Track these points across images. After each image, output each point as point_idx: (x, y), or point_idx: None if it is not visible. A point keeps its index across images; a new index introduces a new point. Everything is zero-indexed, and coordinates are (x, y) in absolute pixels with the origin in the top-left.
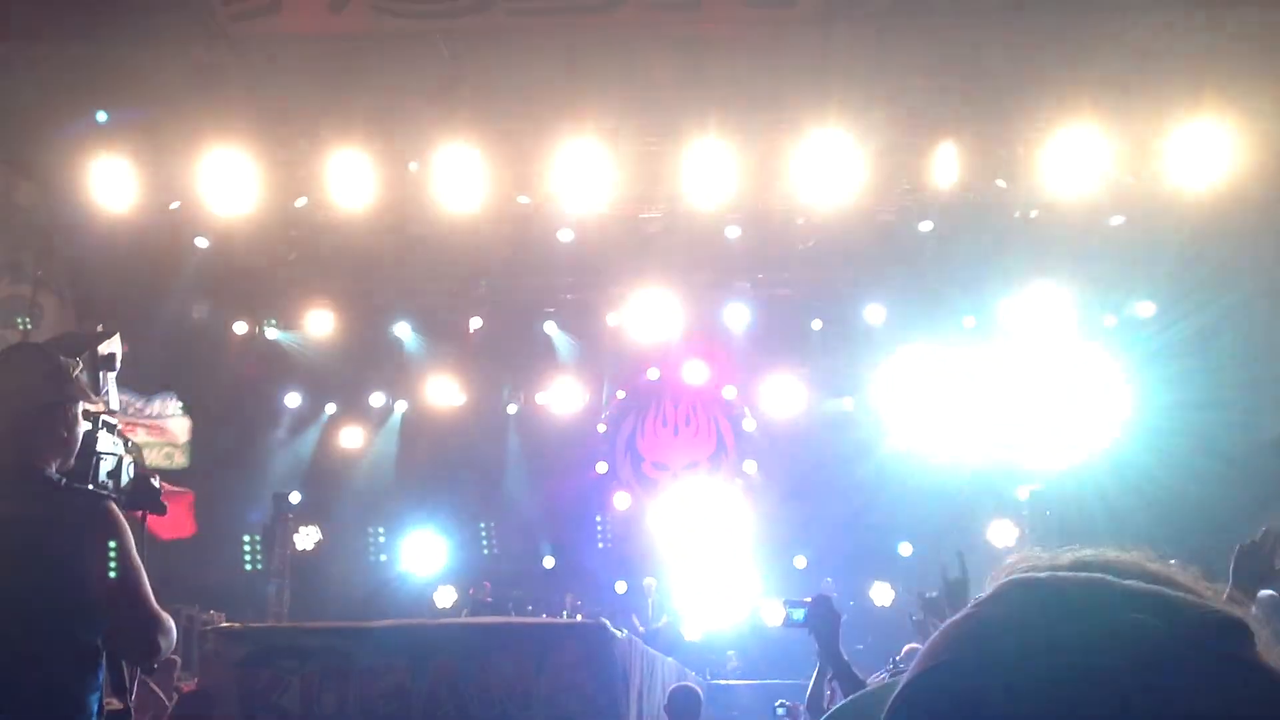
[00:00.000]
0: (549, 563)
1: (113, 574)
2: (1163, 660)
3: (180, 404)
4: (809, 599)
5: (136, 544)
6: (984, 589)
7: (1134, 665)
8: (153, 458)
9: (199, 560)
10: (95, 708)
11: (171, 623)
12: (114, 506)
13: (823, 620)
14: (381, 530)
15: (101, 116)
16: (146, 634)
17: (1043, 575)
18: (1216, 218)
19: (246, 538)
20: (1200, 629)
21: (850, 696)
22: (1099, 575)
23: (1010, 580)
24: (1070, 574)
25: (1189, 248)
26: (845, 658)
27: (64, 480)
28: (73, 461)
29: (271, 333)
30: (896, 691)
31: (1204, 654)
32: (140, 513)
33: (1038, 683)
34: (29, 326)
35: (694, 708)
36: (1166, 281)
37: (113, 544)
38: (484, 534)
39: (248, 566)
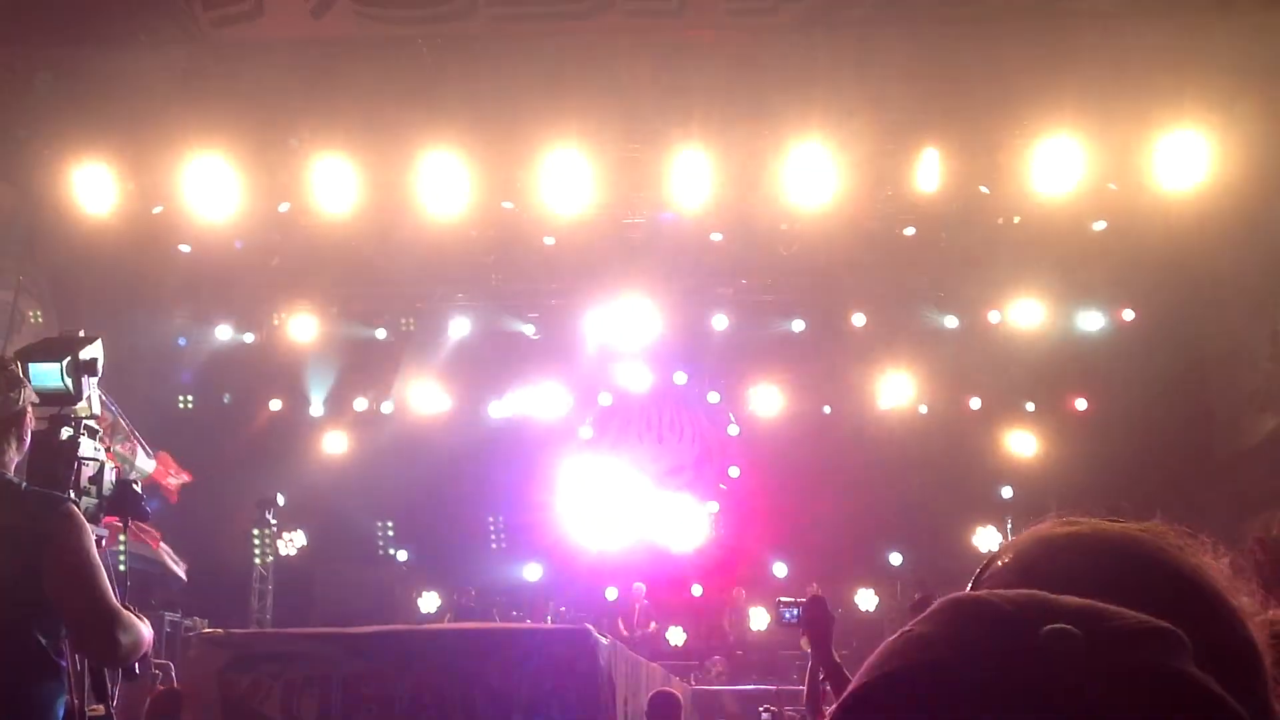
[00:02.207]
0: (533, 572)
1: (69, 574)
2: (1080, 670)
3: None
4: (803, 599)
5: (122, 551)
6: (1002, 554)
7: (1052, 675)
8: None
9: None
10: (60, 711)
11: (134, 621)
12: (73, 508)
13: (816, 621)
14: (390, 524)
15: None
16: (104, 632)
17: (977, 594)
18: (1197, 223)
19: (256, 531)
20: (1120, 638)
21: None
22: (1033, 592)
23: (945, 600)
24: (1003, 591)
25: (1170, 253)
26: (837, 659)
27: (24, 484)
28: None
29: (252, 338)
30: (845, 695)
31: (1123, 663)
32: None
33: (964, 696)
34: (39, 320)
35: (674, 713)
36: (1149, 285)
37: (69, 544)
38: (493, 528)
39: (256, 560)
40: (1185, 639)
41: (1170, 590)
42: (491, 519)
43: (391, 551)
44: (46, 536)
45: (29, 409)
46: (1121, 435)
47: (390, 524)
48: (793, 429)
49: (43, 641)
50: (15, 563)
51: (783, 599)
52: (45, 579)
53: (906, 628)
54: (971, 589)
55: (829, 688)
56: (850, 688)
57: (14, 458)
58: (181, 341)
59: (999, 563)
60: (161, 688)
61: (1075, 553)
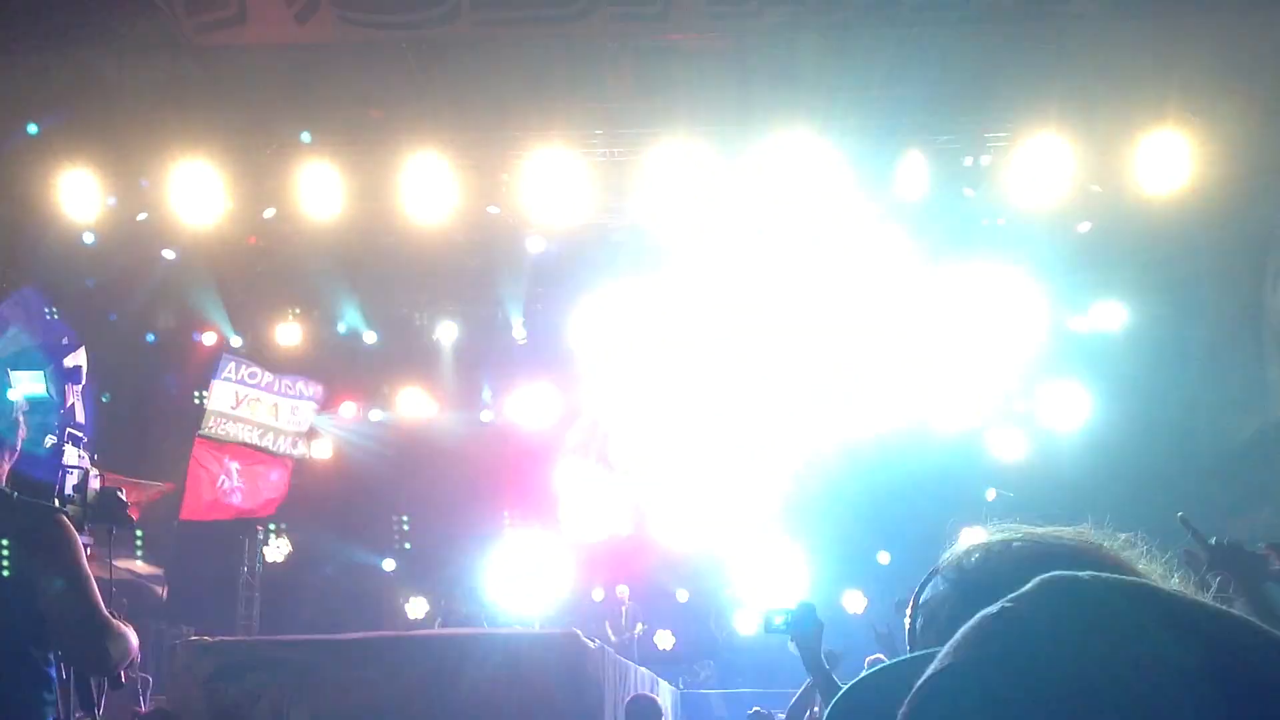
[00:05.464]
0: (526, 572)
1: (60, 584)
2: (1207, 679)
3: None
4: (792, 606)
5: (107, 558)
6: (955, 555)
7: (1175, 680)
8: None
9: (169, 575)
10: None
11: (125, 631)
12: (64, 518)
13: (806, 628)
14: (406, 519)
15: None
16: (95, 643)
17: (1084, 576)
18: (1181, 224)
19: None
20: (1248, 653)
21: (872, 670)
22: (1142, 581)
23: (1051, 578)
24: (1113, 577)
25: (1154, 254)
26: (826, 666)
27: (15, 494)
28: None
29: (239, 343)
30: (922, 680)
31: (1253, 679)
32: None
33: (1068, 694)
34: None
35: (653, 718)
36: (1133, 286)
37: (60, 555)
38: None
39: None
40: None
41: None
42: (478, 526)
43: (407, 546)
44: (38, 547)
45: (22, 419)
46: (1106, 436)
47: (406, 518)
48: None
49: (34, 652)
50: (7, 573)
51: (771, 605)
52: (37, 590)
53: (1006, 601)
54: (914, 599)
55: (817, 694)
56: (948, 658)
57: (6, 468)
58: (150, 338)
59: (940, 573)
60: (151, 708)
61: (1009, 559)
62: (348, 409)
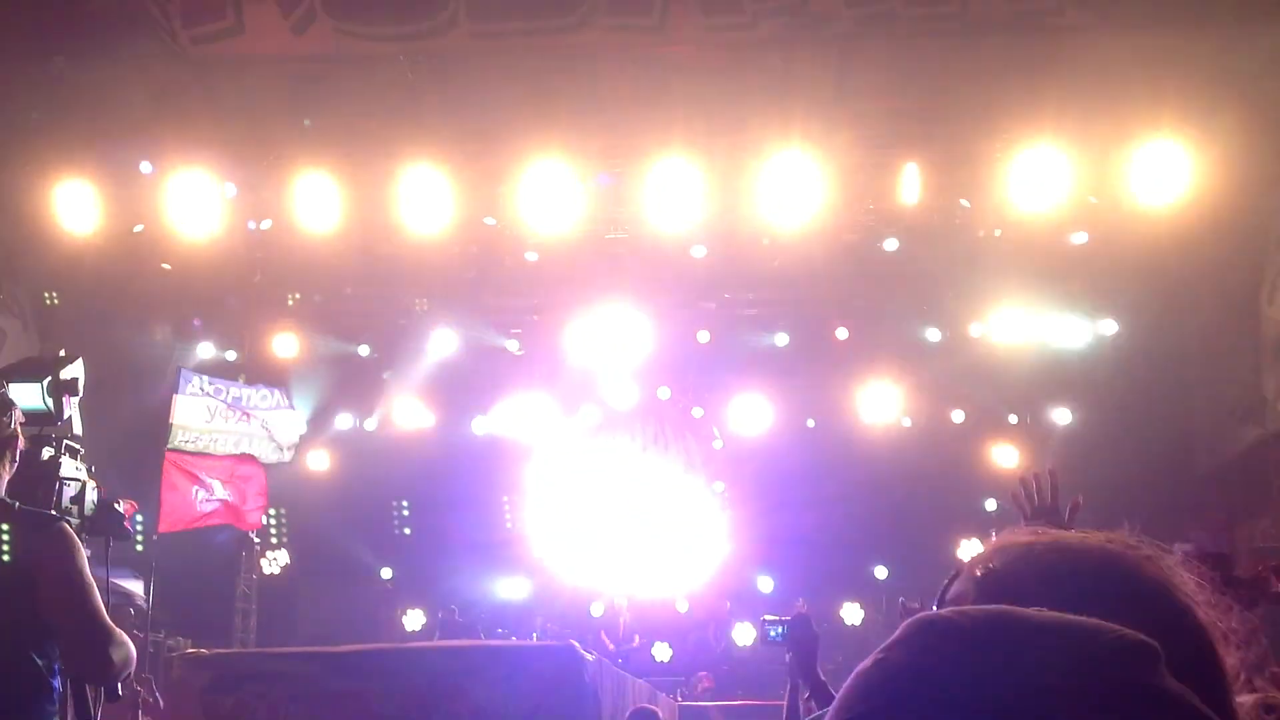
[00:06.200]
0: (521, 586)
1: (63, 592)
2: (1067, 693)
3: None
4: (788, 617)
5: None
6: (979, 557)
7: (1039, 702)
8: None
9: (164, 587)
10: None
11: (125, 638)
12: (66, 527)
13: (802, 640)
14: (406, 504)
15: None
16: (98, 650)
17: (946, 613)
18: (1177, 234)
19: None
20: (1103, 658)
21: None
22: (1001, 608)
23: (913, 621)
24: (973, 609)
25: (1150, 265)
26: (822, 678)
27: (17, 504)
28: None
29: (234, 355)
30: None
31: (1108, 683)
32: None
33: None
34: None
35: None
36: (1130, 296)
37: (63, 563)
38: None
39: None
40: (1160, 651)
41: (1130, 597)
42: (474, 538)
43: (407, 531)
44: (40, 556)
45: (19, 430)
46: (1104, 447)
47: (406, 504)
48: (777, 443)
49: (39, 662)
50: (10, 582)
51: (767, 616)
52: (40, 598)
53: (878, 653)
54: (938, 603)
55: (814, 705)
56: (832, 717)
57: (5, 479)
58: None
59: (962, 575)
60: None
61: (1032, 563)
62: (343, 420)
